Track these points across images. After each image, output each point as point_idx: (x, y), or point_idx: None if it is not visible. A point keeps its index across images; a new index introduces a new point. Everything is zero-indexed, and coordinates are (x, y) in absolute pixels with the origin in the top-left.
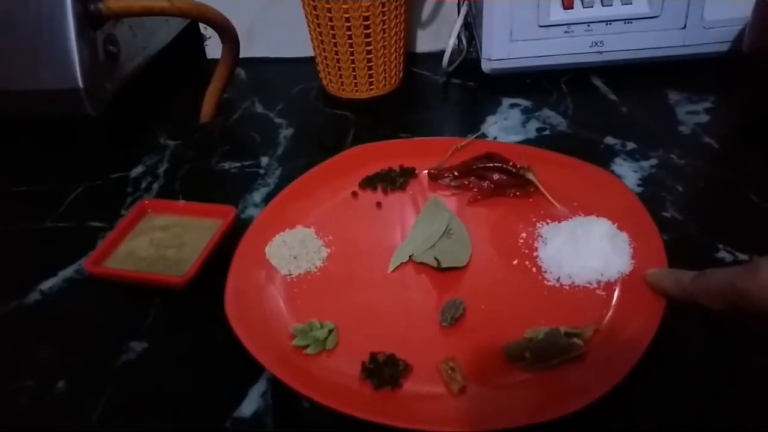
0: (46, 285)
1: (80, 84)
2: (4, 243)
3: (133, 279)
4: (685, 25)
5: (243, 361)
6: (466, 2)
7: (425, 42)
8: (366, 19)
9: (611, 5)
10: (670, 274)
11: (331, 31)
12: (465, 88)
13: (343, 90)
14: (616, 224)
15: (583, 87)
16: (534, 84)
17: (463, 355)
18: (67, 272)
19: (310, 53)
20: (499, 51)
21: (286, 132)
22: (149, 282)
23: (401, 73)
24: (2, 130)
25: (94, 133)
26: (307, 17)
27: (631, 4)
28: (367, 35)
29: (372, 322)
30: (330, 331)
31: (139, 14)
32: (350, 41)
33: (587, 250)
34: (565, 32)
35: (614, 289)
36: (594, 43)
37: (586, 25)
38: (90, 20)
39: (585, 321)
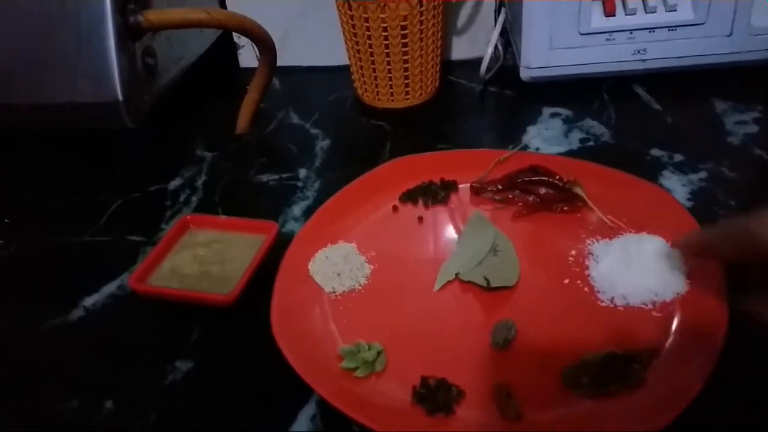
0: (89, 301)
1: (120, 97)
2: (45, 256)
3: (179, 297)
4: (731, 32)
5: (291, 383)
6: (504, 8)
7: (461, 49)
8: (404, 27)
9: (655, 12)
10: (694, 234)
11: (368, 40)
12: (503, 96)
13: (379, 99)
14: (669, 241)
15: (625, 96)
16: (574, 92)
17: (517, 380)
18: (110, 288)
19: (343, 62)
20: (539, 59)
21: (323, 143)
22: (195, 300)
23: (437, 82)
24: (41, 143)
25: (130, 144)
26: (342, 26)
27: (675, 11)
28: (404, 43)
29: (420, 343)
30: (378, 353)
31: (178, 26)
32: (387, 50)
33: (641, 269)
34: (607, 40)
35: (671, 310)
36: (637, 51)
37: (629, 32)
38: (129, 32)
39: (641, 343)
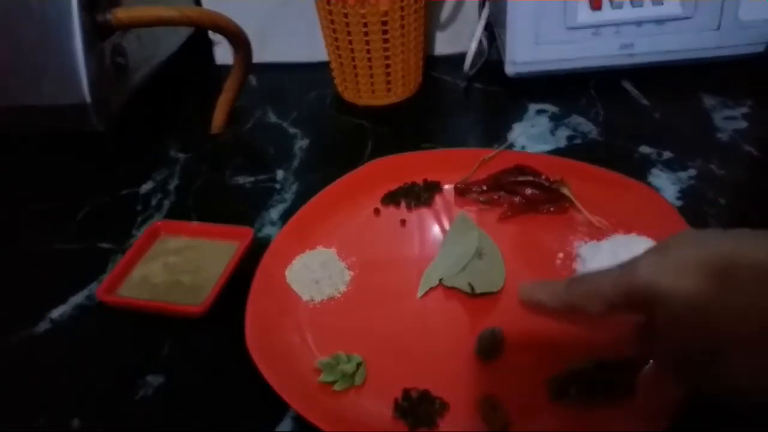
0: (56, 313)
1: (88, 99)
2: (11, 266)
3: (149, 308)
4: (719, 26)
5: (267, 397)
6: (487, 2)
7: (444, 44)
8: (384, 22)
9: (641, 6)
10: (541, 285)
11: (348, 36)
12: (488, 92)
13: (360, 97)
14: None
15: (612, 91)
16: (561, 88)
17: (503, 391)
18: (78, 298)
19: (323, 58)
20: (524, 54)
21: (301, 143)
22: (166, 311)
23: (420, 78)
24: (6, 146)
25: (100, 146)
26: (321, 21)
27: (662, 4)
28: (386, 39)
29: (402, 353)
30: (358, 365)
31: (149, 24)
32: (368, 46)
33: None
34: (593, 34)
35: None
36: (624, 45)
37: (616, 27)
38: (98, 31)
39: (631, 349)
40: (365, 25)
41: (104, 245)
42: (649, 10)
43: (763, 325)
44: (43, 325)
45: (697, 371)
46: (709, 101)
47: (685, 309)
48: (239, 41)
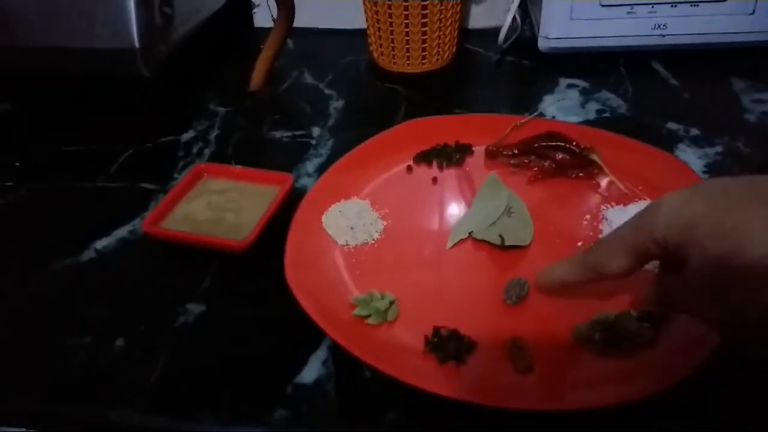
0: (100, 244)
1: (137, 44)
2: (56, 200)
3: (193, 241)
4: (753, 11)
5: (303, 328)
6: None
7: (478, 18)
8: None
9: None
10: (557, 264)
11: (388, 3)
12: (519, 66)
13: (395, 63)
14: None
15: (642, 70)
16: (591, 65)
17: (529, 335)
18: (122, 232)
19: (357, 26)
20: (558, 29)
21: (337, 104)
22: (209, 245)
23: (454, 48)
24: (53, 88)
25: (142, 95)
26: None
27: None
28: (424, 7)
29: (432, 297)
30: (391, 303)
31: None
32: (406, 12)
33: None
34: (628, 13)
35: None
36: (657, 26)
37: (651, 6)
38: None
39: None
40: None
41: (147, 185)
42: None
43: None
44: (88, 255)
45: (731, 313)
46: (738, 84)
47: (714, 237)
48: (284, 1)
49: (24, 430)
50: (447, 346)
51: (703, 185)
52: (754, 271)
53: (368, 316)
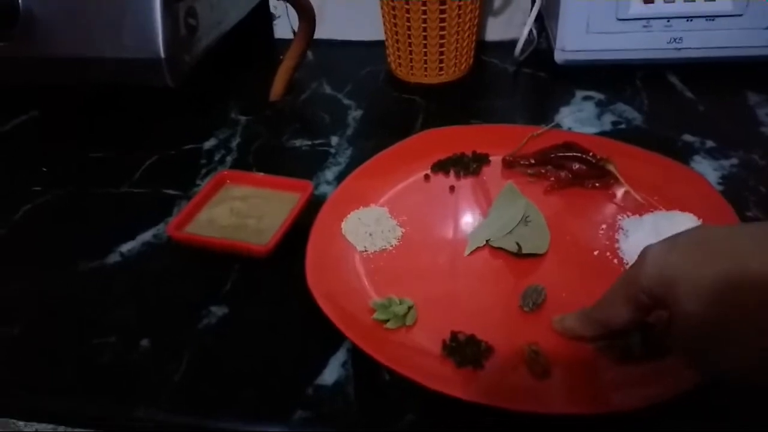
0: (125, 248)
1: (162, 54)
2: (80, 204)
3: (216, 246)
4: None
5: (322, 331)
6: None
7: (495, 31)
8: (443, 2)
9: (693, 1)
10: (568, 318)
11: (407, 14)
12: (536, 78)
13: (413, 74)
14: (700, 220)
15: (658, 83)
16: (607, 78)
17: (546, 341)
18: (146, 236)
19: (374, 37)
20: (574, 42)
21: (355, 113)
22: (232, 249)
23: (471, 60)
24: (77, 97)
25: (165, 104)
26: (382, 1)
27: (714, 0)
28: (442, 19)
29: (450, 302)
30: (409, 308)
31: None
32: (425, 25)
33: None
34: (644, 27)
35: None
36: (673, 39)
37: (666, 20)
38: None
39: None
40: (424, 4)
41: (170, 191)
42: (700, 6)
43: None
44: (113, 258)
45: (705, 360)
46: (753, 98)
47: (691, 295)
48: (306, 12)
49: (51, 426)
50: (464, 350)
51: (683, 236)
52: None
53: (387, 321)
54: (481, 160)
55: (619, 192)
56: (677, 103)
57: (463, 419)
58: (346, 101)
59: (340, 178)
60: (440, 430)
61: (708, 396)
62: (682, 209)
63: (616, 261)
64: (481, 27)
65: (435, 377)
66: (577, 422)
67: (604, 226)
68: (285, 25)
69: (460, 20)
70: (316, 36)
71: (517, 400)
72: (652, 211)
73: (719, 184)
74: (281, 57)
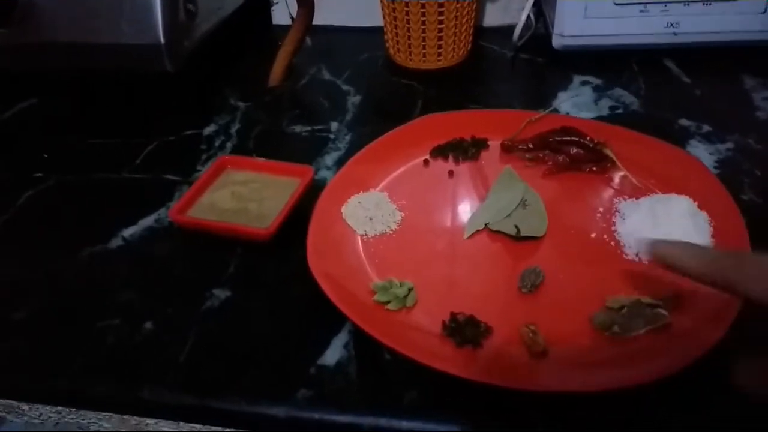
0: (127, 232)
1: (162, 40)
2: (83, 190)
3: (218, 229)
4: (765, 10)
5: (324, 313)
6: None
7: (493, 16)
8: None
9: None
10: (683, 249)
11: (405, 0)
12: (534, 63)
13: (411, 60)
14: (696, 203)
15: (655, 68)
16: (604, 63)
17: (543, 321)
18: (148, 221)
19: (373, 23)
20: (572, 27)
21: (354, 99)
22: (234, 233)
23: (469, 46)
24: (76, 84)
25: (164, 90)
26: None
27: None
28: (441, 5)
29: (450, 284)
30: (410, 290)
31: None
32: (423, 10)
33: (667, 227)
34: (641, 11)
35: None
36: (669, 24)
37: (663, 5)
38: None
39: (665, 292)
40: None
41: (171, 177)
42: None
43: None
44: (116, 242)
45: None
46: (750, 82)
47: None
48: None
49: (59, 408)
50: (464, 330)
51: None
52: None
53: (388, 302)
54: (480, 144)
55: (616, 176)
56: (674, 88)
57: (463, 396)
58: (345, 87)
59: (339, 163)
60: (440, 407)
61: (706, 372)
62: (679, 192)
63: (612, 243)
64: (480, 12)
65: (435, 356)
66: (573, 400)
67: (601, 209)
68: (283, 11)
69: (459, 5)
70: (315, 22)
71: (515, 378)
72: (648, 195)
73: (715, 167)
74: (280, 43)
